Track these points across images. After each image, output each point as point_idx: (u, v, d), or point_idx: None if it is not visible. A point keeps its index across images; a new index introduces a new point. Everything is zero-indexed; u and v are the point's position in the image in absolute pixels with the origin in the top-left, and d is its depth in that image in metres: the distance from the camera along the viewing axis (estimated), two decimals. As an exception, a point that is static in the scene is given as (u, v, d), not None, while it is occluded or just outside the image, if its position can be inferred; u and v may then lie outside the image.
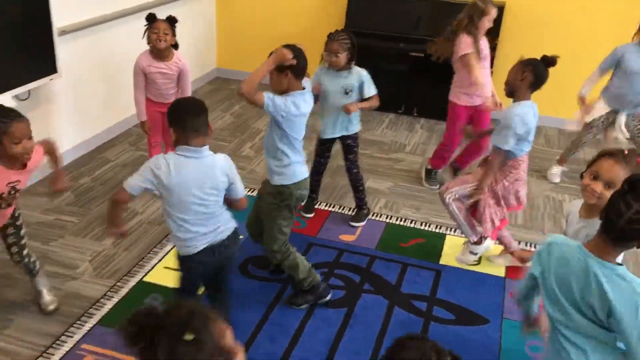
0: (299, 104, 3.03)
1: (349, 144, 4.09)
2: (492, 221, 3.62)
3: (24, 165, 2.72)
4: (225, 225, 2.72)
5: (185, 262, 2.71)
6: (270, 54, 2.99)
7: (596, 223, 1.96)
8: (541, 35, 5.81)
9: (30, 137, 2.60)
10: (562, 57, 3.42)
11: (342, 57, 3.73)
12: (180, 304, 1.21)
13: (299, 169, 3.20)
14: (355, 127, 4.04)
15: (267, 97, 2.93)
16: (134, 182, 2.56)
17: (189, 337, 1.16)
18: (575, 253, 1.91)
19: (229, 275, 2.96)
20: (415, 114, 6.31)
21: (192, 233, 2.62)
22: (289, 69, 2.97)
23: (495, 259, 3.87)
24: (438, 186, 4.83)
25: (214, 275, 2.84)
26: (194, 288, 2.87)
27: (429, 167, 4.93)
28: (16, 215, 3.01)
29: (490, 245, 3.77)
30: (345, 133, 4.02)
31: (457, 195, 3.65)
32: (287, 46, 2.97)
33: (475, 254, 3.79)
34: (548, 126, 6.06)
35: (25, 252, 3.12)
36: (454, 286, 3.64)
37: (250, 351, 3.06)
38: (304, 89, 3.08)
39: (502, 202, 3.59)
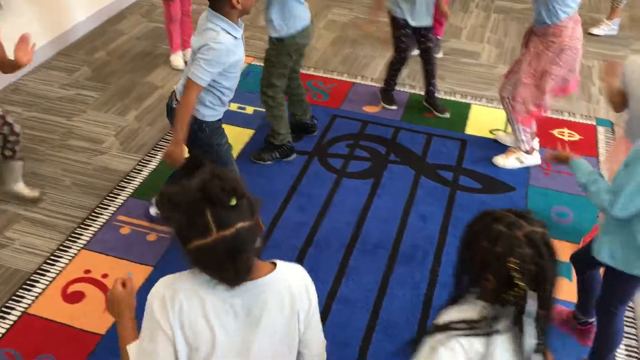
0: None
1: (426, 33, 3.80)
2: (525, 103, 3.27)
3: None
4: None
5: (213, 128, 2.69)
6: None
7: None
8: None
9: None
10: None
11: None
12: (216, 172, 1.23)
13: (299, 20, 3.17)
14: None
15: None
16: (205, 77, 2.43)
17: (233, 202, 1.21)
18: None
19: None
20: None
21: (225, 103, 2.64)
22: None
23: (504, 139, 3.68)
24: (441, 54, 4.68)
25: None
26: (225, 155, 2.82)
27: None
28: None
29: (539, 160, 3.53)
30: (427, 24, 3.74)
31: (511, 90, 3.31)
32: None
33: (522, 162, 3.51)
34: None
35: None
36: (480, 155, 3.63)
37: (281, 220, 3.13)
38: None
39: (545, 84, 3.17)
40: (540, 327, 1.34)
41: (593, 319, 2.45)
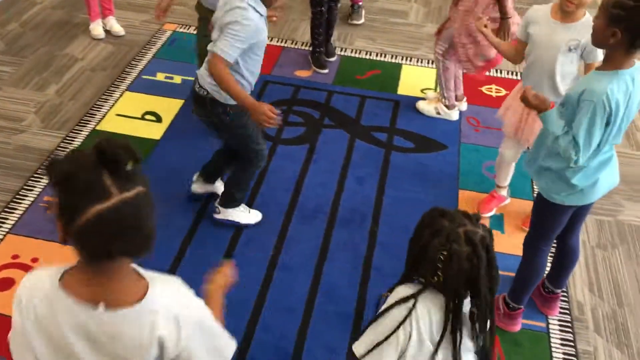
0: None
1: None
2: (471, 61, 3.33)
3: None
4: None
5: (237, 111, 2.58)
6: None
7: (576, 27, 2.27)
8: None
9: None
10: None
11: None
12: (110, 138, 1.13)
13: None
14: None
15: None
16: (234, 52, 2.34)
17: (130, 165, 1.11)
18: (628, 79, 1.88)
19: None
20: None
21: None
22: None
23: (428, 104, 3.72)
24: (362, 20, 4.62)
25: None
26: (253, 136, 2.73)
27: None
28: None
29: (455, 116, 3.64)
30: None
31: (445, 48, 3.38)
32: None
33: (439, 114, 3.63)
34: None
35: None
36: (412, 116, 3.67)
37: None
38: None
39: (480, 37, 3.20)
40: (477, 327, 1.41)
41: (560, 290, 2.53)
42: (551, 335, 2.51)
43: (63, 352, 1.23)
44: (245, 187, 2.86)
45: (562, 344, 2.48)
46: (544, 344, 2.47)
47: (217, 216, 2.89)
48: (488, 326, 1.44)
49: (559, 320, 2.57)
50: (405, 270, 1.51)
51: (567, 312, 2.60)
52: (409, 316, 1.42)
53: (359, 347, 1.50)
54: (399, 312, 1.43)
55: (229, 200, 2.84)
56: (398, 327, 1.42)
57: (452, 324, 1.40)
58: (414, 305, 1.42)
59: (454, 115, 3.64)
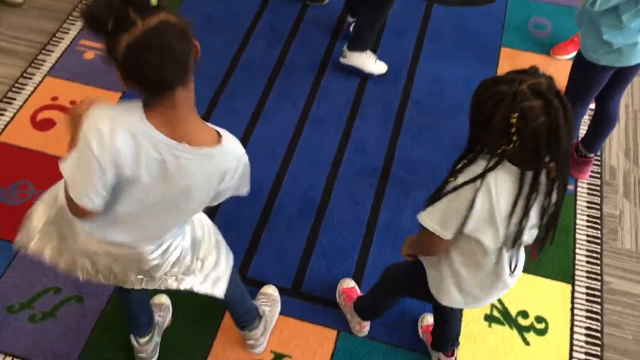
0: None
1: None
2: None
3: None
4: None
5: None
6: None
7: None
8: None
9: None
10: None
11: None
12: None
13: None
14: None
15: None
16: None
17: (154, 1, 1.16)
18: None
19: None
20: None
21: None
22: None
23: None
24: None
25: None
26: None
27: None
28: None
29: None
30: None
31: None
32: None
33: None
34: None
35: None
36: (460, -35, 3.42)
37: (249, 45, 3.02)
38: None
39: None
40: (554, 193, 1.31)
41: (593, 155, 2.49)
42: (578, 197, 2.51)
43: (131, 184, 1.31)
44: (376, 26, 2.76)
45: (588, 207, 2.49)
46: (570, 206, 2.48)
47: (343, 60, 2.87)
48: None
49: (588, 184, 2.55)
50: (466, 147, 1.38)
51: (598, 175, 2.58)
52: (478, 192, 1.33)
53: (426, 218, 1.44)
54: (469, 191, 1.35)
55: (358, 41, 2.79)
56: (471, 205, 1.35)
57: (527, 197, 1.30)
58: (484, 181, 1.33)
59: None
